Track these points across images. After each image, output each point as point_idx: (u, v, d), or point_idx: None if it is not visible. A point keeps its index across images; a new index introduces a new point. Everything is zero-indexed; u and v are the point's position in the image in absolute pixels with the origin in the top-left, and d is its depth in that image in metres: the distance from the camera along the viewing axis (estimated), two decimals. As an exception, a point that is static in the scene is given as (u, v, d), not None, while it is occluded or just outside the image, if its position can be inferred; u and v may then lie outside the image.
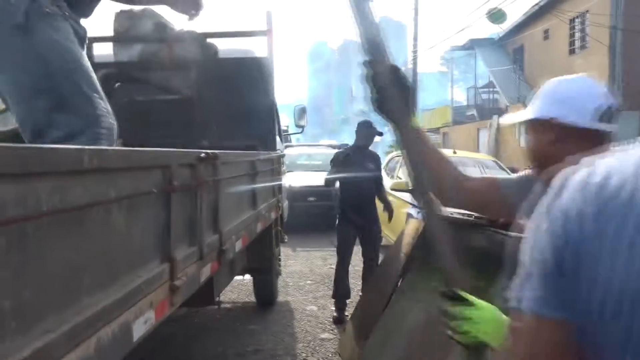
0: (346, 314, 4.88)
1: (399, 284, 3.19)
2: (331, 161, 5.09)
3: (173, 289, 1.72)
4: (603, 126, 1.21)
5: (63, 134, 1.82)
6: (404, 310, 2.92)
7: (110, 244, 1.34)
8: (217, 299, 3.27)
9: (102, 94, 2.00)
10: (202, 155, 2.01)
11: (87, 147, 1.15)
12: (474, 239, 2.82)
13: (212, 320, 4.84)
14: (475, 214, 3.37)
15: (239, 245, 2.84)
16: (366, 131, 4.91)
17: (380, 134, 4.96)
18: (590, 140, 1.20)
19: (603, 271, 0.53)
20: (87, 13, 2.24)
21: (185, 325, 4.57)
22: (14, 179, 0.92)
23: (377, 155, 5.24)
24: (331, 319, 4.82)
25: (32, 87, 1.84)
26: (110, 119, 1.95)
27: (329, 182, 5.01)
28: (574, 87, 1.26)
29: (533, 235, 0.63)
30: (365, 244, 4.92)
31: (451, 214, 3.53)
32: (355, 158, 4.83)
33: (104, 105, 1.96)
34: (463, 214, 3.45)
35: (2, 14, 1.83)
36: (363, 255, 4.97)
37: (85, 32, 2.13)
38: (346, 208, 4.83)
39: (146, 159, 1.55)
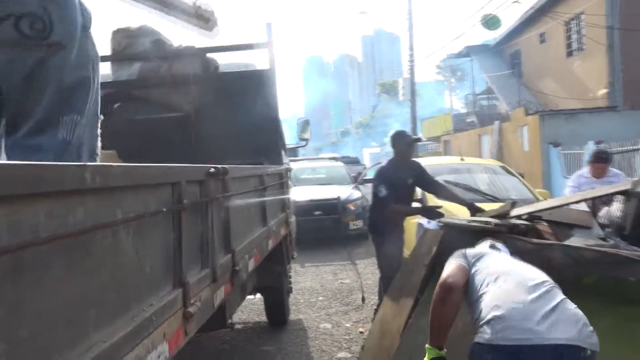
0: (361, 330, 4.71)
1: (421, 298, 3.05)
2: (377, 177, 4.57)
3: (187, 317, 1.58)
4: None
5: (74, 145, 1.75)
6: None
7: (117, 271, 1.20)
8: (229, 321, 3.12)
9: None
10: (212, 170, 1.88)
11: (89, 164, 1.02)
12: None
13: (223, 342, 4.66)
14: (495, 221, 3.26)
15: (251, 264, 2.70)
16: (403, 141, 4.52)
17: (419, 139, 4.48)
18: None
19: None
20: None
21: (194, 349, 4.40)
22: (9, 201, 0.79)
23: (417, 163, 4.84)
24: (347, 337, 4.64)
25: (72, 89, 1.74)
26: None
27: (386, 200, 4.41)
28: None
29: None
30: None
31: (469, 221, 3.41)
32: (399, 172, 4.46)
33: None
34: (482, 221, 3.32)
35: (75, 13, 1.73)
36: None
37: None
38: (391, 223, 4.41)
39: (154, 175, 1.42)
